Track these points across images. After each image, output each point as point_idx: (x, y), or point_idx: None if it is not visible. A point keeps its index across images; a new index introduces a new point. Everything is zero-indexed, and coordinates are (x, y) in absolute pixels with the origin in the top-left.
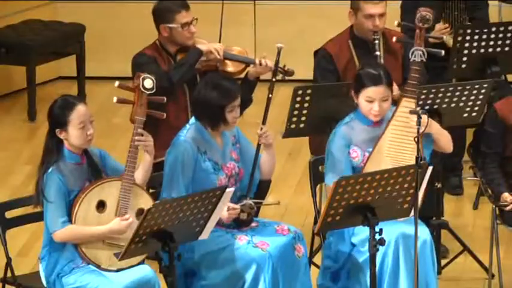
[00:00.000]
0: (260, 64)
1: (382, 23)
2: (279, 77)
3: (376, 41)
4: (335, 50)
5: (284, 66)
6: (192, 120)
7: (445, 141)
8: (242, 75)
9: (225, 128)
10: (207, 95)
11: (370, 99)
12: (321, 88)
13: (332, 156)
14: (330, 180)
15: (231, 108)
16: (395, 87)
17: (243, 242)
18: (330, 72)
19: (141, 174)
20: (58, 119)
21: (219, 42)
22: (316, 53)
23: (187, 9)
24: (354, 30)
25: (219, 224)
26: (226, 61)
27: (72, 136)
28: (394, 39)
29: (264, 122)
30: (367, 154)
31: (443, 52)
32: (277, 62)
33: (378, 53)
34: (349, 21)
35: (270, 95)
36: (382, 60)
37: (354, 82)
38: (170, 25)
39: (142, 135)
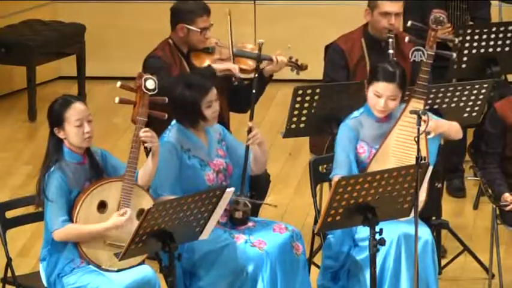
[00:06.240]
0: (277, 61)
1: (397, 22)
2: (294, 71)
3: (390, 40)
4: (347, 46)
5: (297, 60)
6: (174, 121)
7: (454, 131)
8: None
9: (205, 124)
10: (180, 95)
11: (378, 94)
12: (322, 88)
13: (340, 148)
14: (337, 173)
15: (207, 104)
16: None
17: (240, 242)
18: (341, 68)
19: (143, 176)
20: (56, 117)
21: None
22: (327, 47)
23: (209, 14)
24: (369, 28)
25: (217, 223)
26: (240, 59)
27: (70, 134)
28: (407, 39)
29: (251, 119)
30: (373, 150)
31: (454, 54)
32: (258, 57)
33: (391, 51)
34: (365, 19)
35: (254, 91)
36: (394, 59)
37: (370, 73)
38: (189, 27)
39: (147, 134)
